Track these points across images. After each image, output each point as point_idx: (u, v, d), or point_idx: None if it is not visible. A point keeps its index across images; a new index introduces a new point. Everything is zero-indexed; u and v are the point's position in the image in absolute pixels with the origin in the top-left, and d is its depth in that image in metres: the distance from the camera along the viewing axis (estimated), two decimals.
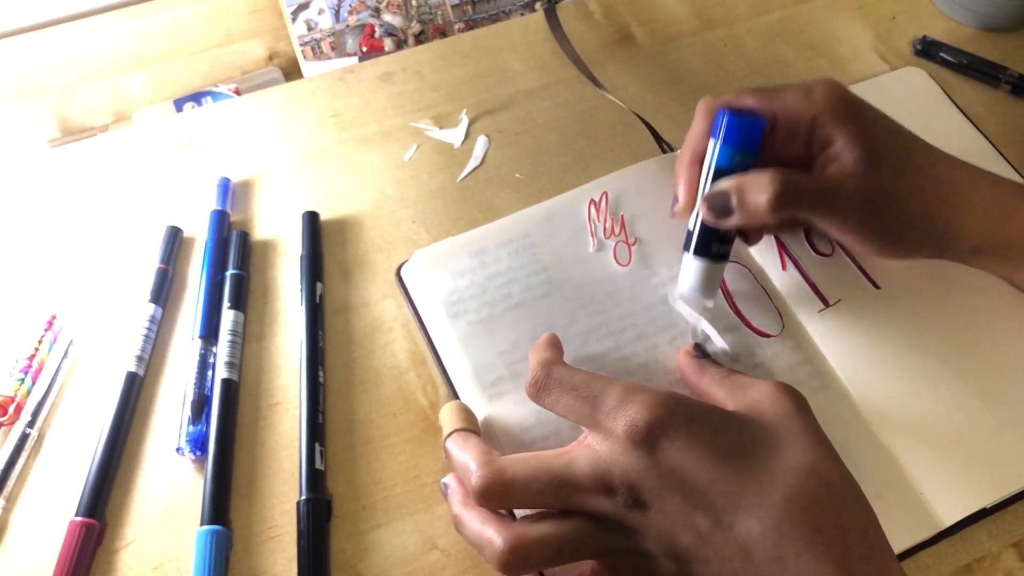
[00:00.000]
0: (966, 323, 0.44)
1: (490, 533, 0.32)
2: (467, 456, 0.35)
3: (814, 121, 0.40)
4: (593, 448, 0.33)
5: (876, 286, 0.45)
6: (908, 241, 0.39)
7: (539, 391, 0.36)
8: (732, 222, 0.39)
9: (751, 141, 0.40)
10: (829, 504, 0.30)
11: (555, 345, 0.39)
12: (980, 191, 0.40)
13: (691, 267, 0.42)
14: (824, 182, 0.39)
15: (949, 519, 0.39)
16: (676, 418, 0.32)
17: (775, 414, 0.34)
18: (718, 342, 0.43)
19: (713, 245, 0.41)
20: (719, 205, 0.40)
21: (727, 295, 0.45)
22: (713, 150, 0.41)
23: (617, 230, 0.47)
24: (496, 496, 0.33)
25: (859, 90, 0.54)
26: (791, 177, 0.38)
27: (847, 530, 0.30)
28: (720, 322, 0.44)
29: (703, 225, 0.41)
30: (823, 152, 0.40)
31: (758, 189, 0.38)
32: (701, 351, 0.41)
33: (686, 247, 0.42)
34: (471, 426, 0.39)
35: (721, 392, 0.37)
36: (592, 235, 0.47)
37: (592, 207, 0.48)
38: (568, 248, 0.47)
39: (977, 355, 0.43)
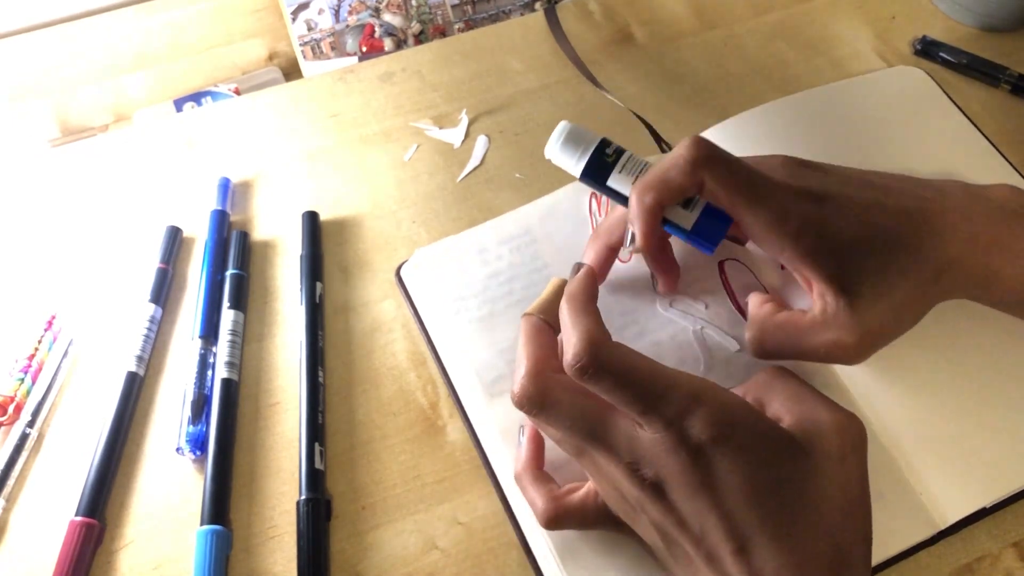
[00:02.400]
0: (966, 321, 0.44)
1: (535, 495, 0.37)
2: (520, 358, 0.35)
3: (785, 258, 0.37)
4: (638, 429, 0.32)
5: None
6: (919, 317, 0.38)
7: (585, 377, 0.32)
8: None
9: (712, 243, 0.39)
10: (834, 567, 0.31)
11: (593, 298, 0.36)
12: (951, 203, 0.38)
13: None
14: (811, 329, 0.37)
15: (949, 519, 0.39)
16: (730, 441, 0.31)
17: (829, 450, 0.32)
18: (728, 343, 0.43)
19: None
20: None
21: (728, 290, 0.45)
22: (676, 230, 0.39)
23: None
24: (531, 407, 0.34)
25: (853, 86, 0.54)
26: (778, 319, 0.38)
27: None
28: (724, 318, 0.44)
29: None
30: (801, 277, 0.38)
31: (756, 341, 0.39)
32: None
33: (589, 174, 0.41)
34: (552, 319, 0.37)
35: (790, 392, 0.36)
36: (593, 230, 0.47)
37: (593, 202, 0.48)
38: (570, 244, 0.47)
39: (977, 354, 0.43)
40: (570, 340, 0.33)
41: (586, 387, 0.33)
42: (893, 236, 0.36)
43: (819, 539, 0.31)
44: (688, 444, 0.31)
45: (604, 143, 0.40)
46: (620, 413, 0.33)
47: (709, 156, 0.37)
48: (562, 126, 0.41)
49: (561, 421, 0.33)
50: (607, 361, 0.32)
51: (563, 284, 0.38)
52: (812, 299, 0.37)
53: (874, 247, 0.36)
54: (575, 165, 0.40)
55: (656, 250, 0.40)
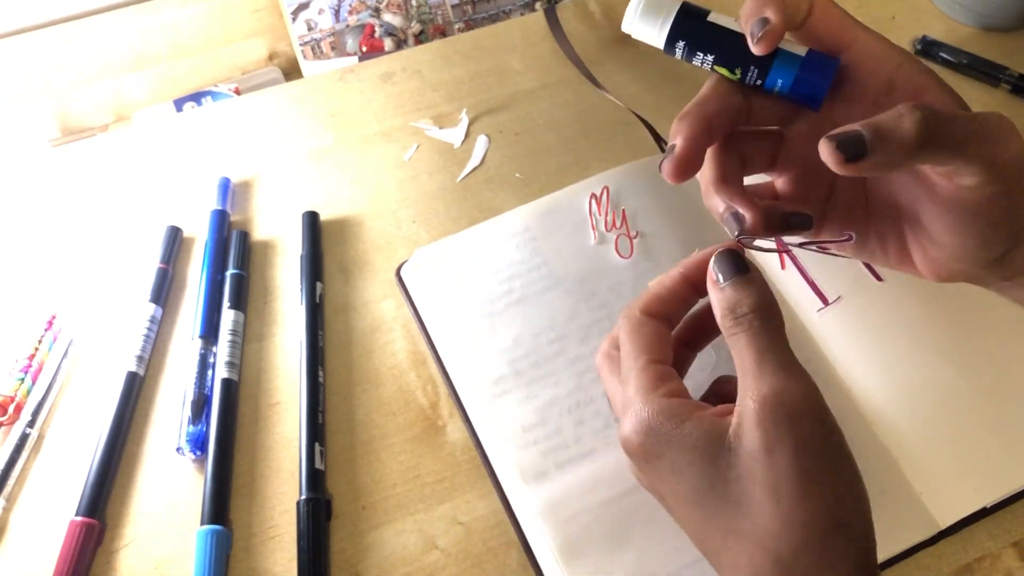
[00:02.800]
0: (966, 320, 0.44)
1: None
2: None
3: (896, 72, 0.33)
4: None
5: (878, 278, 0.45)
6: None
7: (600, 362, 0.37)
8: (865, 165, 0.31)
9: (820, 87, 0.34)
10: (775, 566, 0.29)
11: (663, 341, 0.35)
12: None
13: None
14: (975, 119, 0.31)
15: (949, 519, 0.39)
16: (646, 452, 0.32)
17: (751, 447, 0.30)
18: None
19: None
20: (851, 144, 0.31)
21: None
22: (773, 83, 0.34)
23: (618, 223, 0.47)
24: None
25: None
26: (933, 109, 0.31)
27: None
28: None
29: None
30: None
31: (898, 121, 0.30)
32: (738, 257, 0.35)
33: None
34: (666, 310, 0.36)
35: (753, 363, 0.32)
36: (593, 228, 0.47)
37: (593, 201, 0.48)
38: (569, 242, 0.47)
39: (977, 354, 0.43)
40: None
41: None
42: None
43: (749, 545, 0.29)
44: (624, 447, 0.33)
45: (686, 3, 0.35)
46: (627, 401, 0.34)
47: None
48: None
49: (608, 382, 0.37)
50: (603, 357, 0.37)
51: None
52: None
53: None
54: (662, 22, 0.35)
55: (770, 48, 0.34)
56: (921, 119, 0.30)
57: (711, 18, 0.35)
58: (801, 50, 0.34)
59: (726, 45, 0.35)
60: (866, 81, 0.34)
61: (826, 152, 0.31)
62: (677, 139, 0.35)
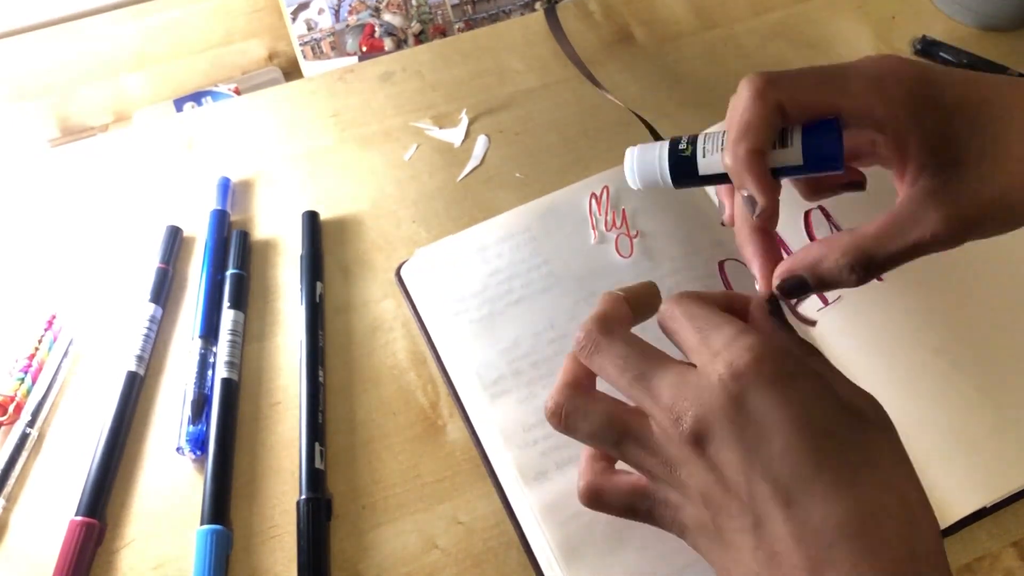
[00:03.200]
0: (966, 320, 0.44)
1: (583, 469, 0.35)
2: (563, 373, 0.35)
3: (884, 121, 0.34)
4: (686, 372, 0.31)
5: (879, 278, 0.45)
6: (988, 230, 0.34)
7: (663, 317, 0.34)
8: (810, 295, 0.36)
9: (833, 157, 0.34)
10: (903, 529, 0.27)
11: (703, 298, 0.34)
12: None
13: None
14: (902, 235, 0.33)
15: (948, 519, 0.39)
16: (780, 371, 0.29)
17: (884, 420, 0.30)
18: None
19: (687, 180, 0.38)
20: (794, 287, 0.34)
21: (729, 289, 0.45)
22: (793, 170, 0.35)
23: (619, 223, 0.47)
24: (590, 345, 0.33)
25: None
26: (865, 245, 0.33)
27: (910, 560, 0.27)
28: None
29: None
30: (898, 157, 0.35)
31: (841, 280, 0.33)
32: (775, 306, 0.35)
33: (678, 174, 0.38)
34: (632, 299, 0.36)
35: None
36: (593, 228, 0.47)
37: (593, 200, 0.48)
38: (569, 242, 0.47)
39: (978, 354, 0.43)
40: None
41: (638, 339, 0.33)
42: (1008, 102, 0.33)
43: (884, 492, 0.27)
44: (730, 374, 0.29)
45: (674, 142, 0.38)
46: (672, 362, 0.32)
47: (769, 77, 0.35)
48: (629, 153, 0.38)
49: (615, 359, 0.32)
50: (684, 299, 0.33)
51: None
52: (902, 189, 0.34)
53: (983, 109, 0.33)
54: (662, 180, 0.38)
55: (776, 203, 0.35)
56: (857, 267, 0.33)
57: (702, 166, 0.37)
58: (797, 135, 0.35)
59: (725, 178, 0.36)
60: (854, 133, 0.35)
61: (775, 290, 0.35)
62: (753, 190, 0.34)
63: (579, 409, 0.33)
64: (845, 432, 0.28)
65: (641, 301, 0.36)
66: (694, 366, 0.31)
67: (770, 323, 0.35)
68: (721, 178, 0.37)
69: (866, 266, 0.33)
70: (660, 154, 0.37)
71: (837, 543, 0.26)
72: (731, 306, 0.35)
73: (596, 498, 0.34)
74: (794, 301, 0.40)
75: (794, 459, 0.27)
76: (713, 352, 0.30)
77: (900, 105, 0.33)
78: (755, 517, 0.28)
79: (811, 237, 0.46)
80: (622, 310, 0.35)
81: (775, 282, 0.35)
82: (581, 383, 0.34)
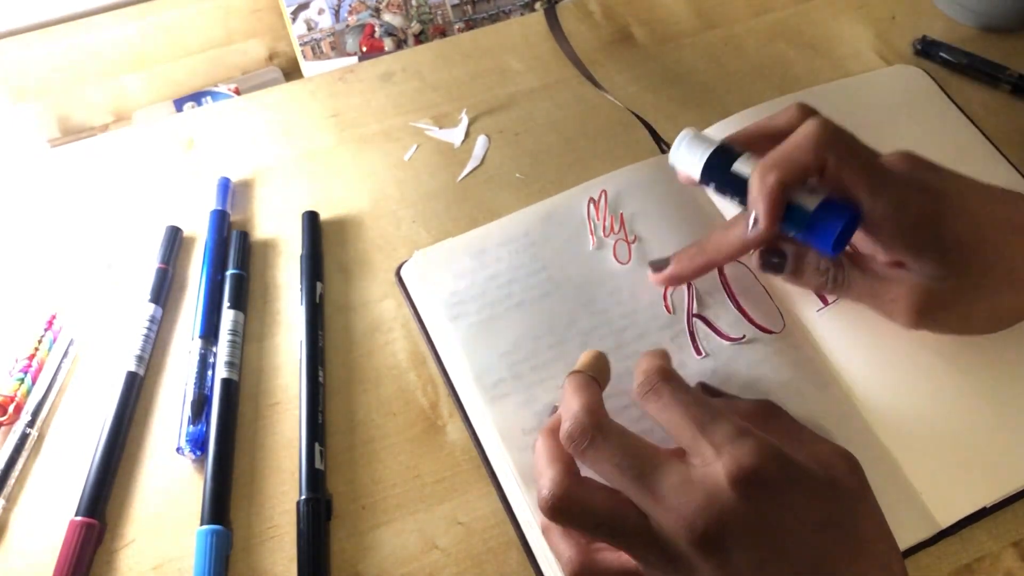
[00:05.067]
0: None
1: (564, 547, 0.34)
2: (544, 459, 0.34)
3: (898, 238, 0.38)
4: (687, 471, 0.31)
5: None
6: (968, 329, 0.41)
7: (648, 393, 0.34)
8: (779, 278, 0.41)
9: (829, 241, 0.38)
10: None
11: (665, 357, 0.36)
12: None
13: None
14: (876, 283, 0.39)
15: (949, 519, 0.39)
16: (781, 474, 0.30)
17: (853, 487, 0.32)
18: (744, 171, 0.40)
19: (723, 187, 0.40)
20: (773, 262, 0.41)
21: (729, 292, 0.45)
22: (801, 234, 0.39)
23: (616, 228, 0.47)
24: (559, 515, 0.32)
25: (852, 85, 0.54)
26: (843, 267, 0.39)
27: None
28: (724, 319, 0.44)
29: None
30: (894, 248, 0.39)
31: (813, 271, 0.40)
32: (711, 391, 0.40)
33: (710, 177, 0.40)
34: (598, 375, 0.36)
35: (785, 430, 0.36)
36: (592, 233, 0.47)
37: (591, 205, 0.48)
38: (568, 247, 0.47)
39: (977, 353, 0.43)
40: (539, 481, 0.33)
41: (632, 433, 0.33)
42: (1009, 251, 0.37)
43: (876, 570, 0.31)
44: (739, 475, 0.30)
45: (726, 143, 0.41)
46: (669, 458, 0.32)
47: (835, 135, 0.37)
48: (685, 132, 0.42)
49: (612, 455, 0.32)
50: (667, 384, 0.34)
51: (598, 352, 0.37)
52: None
53: (986, 258, 0.37)
54: (698, 160, 0.40)
55: (776, 234, 0.39)
56: (830, 286, 0.40)
57: (737, 165, 0.39)
58: (815, 200, 0.37)
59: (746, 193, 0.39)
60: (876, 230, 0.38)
61: (755, 258, 0.41)
62: (761, 214, 0.38)
63: (578, 502, 0.32)
64: (839, 518, 0.31)
65: (604, 376, 0.36)
66: (684, 455, 0.32)
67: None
68: (739, 188, 0.39)
69: (835, 283, 0.40)
70: (710, 143, 0.41)
71: None
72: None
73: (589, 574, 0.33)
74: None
75: (803, 555, 0.29)
76: (715, 448, 0.31)
77: (915, 239, 0.37)
78: None
79: (726, 286, 0.47)
80: (598, 394, 0.34)
81: (763, 252, 0.41)
82: (573, 470, 0.33)
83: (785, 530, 0.29)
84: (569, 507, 0.32)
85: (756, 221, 0.38)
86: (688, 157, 0.41)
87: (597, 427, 0.32)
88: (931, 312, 0.38)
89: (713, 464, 0.30)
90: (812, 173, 0.37)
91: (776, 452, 0.31)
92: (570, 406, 0.33)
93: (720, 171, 0.40)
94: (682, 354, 0.43)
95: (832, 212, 0.37)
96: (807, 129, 0.37)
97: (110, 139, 0.56)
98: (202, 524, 0.39)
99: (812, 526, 0.30)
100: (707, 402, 0.33)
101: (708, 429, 0.31)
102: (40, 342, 0.45)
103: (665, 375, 0.34)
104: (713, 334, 0.43)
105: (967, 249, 0.37)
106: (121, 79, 0.63)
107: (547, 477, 0.33)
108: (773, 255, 0.41)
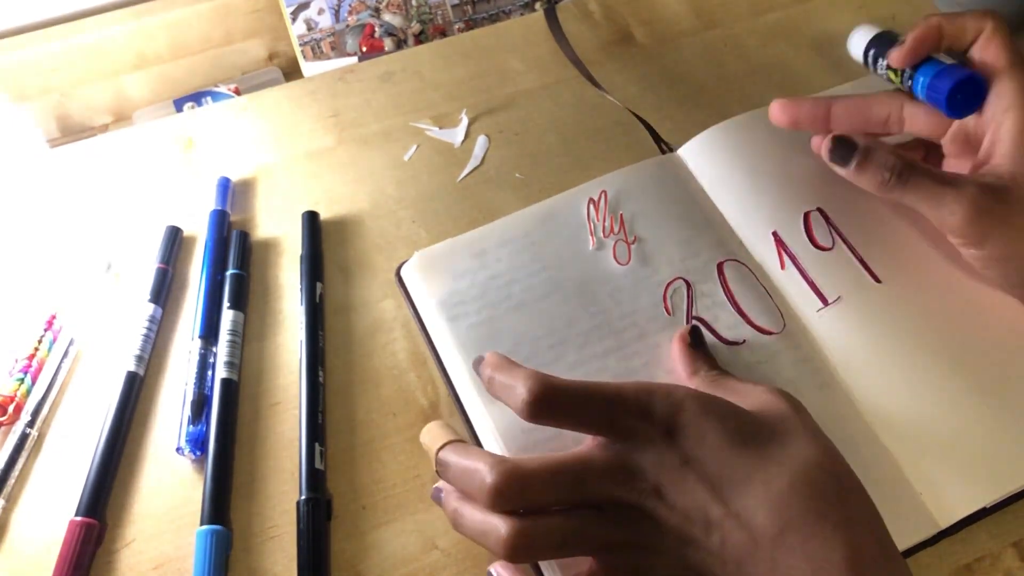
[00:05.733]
0: (966, 321, 0.44)
1: (495, 521, 0.32)
2: (473, 459, 0.33)
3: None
4: (610, 444, 0.33)
5: (877, 280, 0.45)
6: (1011, 273, 0.40)
7: (542, 407, 0.33)
8: (842, 172, 0.42)
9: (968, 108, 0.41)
10: (834, 494, 0.31)
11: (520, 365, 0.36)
12: None
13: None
14: (938, 181, 0.39)
15: (949, 519, 0.39)
16: (690, 411, 0.33)
17: (775, 414, 0.34)
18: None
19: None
20: (842, 153, 0.41)
21: (728, 292, 0.45)
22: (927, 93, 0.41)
23: (616, 229, 0.47)
24: (513, 491, 0.32)
25: (850, 88, 0.54)
26: (911, 164, 0.39)
27: (853, 520, 0.31)
28: (723, 320, 0.44)
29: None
30: (986, 141, 0.41)
31: (880, 166, 0.40)
32: (696, 338, 0.42)
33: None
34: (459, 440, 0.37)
35: (732, 389, 0.37)
36: (591, 234, 0.47)
37: (591, 206, 0.48)
38: (568, 247, 0.47)
39: (977, 353, 0.43)
40: (516, 388, 0.33)
41: (546, 455, 0.33)
42: None
43: (807, 469, 0.31)
44: (656, 427, 0.32)
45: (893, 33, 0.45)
46: (591, 452, 0.33)
47: (1002, 23, 0.40)
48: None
49: (547, 488, 0.32)
50: (559, 389, 0.33)
51: (439, 422, 0.38)
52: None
53: None
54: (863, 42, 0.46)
55: (913, 59, 0.42)
56: (888, 174, 0.40)
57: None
58: (950, 62, 0.41)
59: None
60: (990, 110, 0.40)
61: (825, 146, 0.42)
62: (909, 38, 0.41)
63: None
64: (756, 434, 0.33)
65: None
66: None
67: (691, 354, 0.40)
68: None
69: (897, 180, 0.40)
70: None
71: (785, 526, 0.30)
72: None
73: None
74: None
75: (728, 475, 0.31)
76: (629, 415, 0.33)
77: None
78: (715, 532, 0.31)
79: (810, 238, 0.46)
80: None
81: (834, 139, 0.42)
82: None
83: (707, 458, 0.32)
84: (525, 479, 0.32)
85: (901, 44, 0.42)
86: (860, 37, 0.46)
87: (515, 477, 0.32)
88: (988, 219, 0.38)
89: (632, 428, 0.33)
90: (966, 38, 0.40)
91: (679, 395, 0.33)
92: (473, 471, 0.33)
93: (880, 45, 0.44)
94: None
95: (962, 72, 0.40)
96: (977, 12, 0.40)
97: (110, 139, 0.56)
98: (202, 524, 0.39)
99: (726, 447, 0.32)
100: (596, 384, 0.33)
101: (615, 405, 0.33)
102: (40, 342, 0.45)
103: (543, 380, 0.33)
104: (712, 335, 0.44)
105: None
106: (121, 79, 0.63)
107: (482, 469, 0.33)
108: (844, 146, 0.41)
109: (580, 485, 0.32)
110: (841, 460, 0.33)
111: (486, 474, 0.32)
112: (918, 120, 0.44)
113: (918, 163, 0.40)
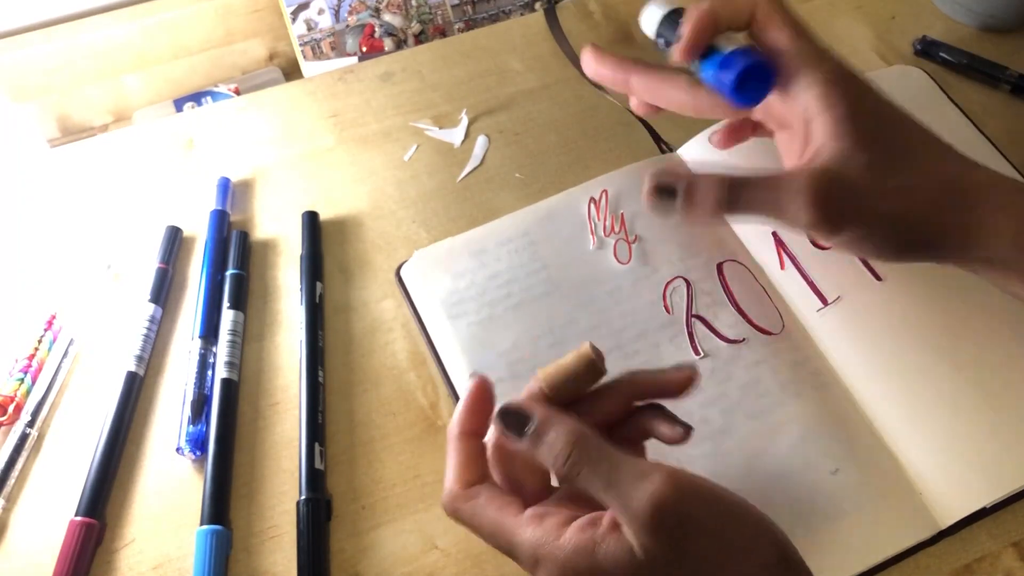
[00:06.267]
0: (966, 320, 0.44)
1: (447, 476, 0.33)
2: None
3: (805, 91, 0.36)
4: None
5: (878, 278, 0.45)
6: (893, 246, 0.36)
7: (572, 469, 0.30)
8: (672, 211, 0.37)
9: (758, 96, 0.38)
10: None
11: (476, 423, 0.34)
12: (1001, 198, 0.36)
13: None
14: (774, 181, 0.36)
15: (949, 519, 0.39)
16: None
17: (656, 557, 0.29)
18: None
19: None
20: (664, 197, 0.37)
21: (728, 293, 0.45)
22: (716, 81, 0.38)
23: (617, 228, 0.47)
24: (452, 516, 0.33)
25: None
26: (736, 180, 0.36)
27: None
28: (723, 319, 0.44)
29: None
30: (804, 127, 0.37)
31: (706, 195, 0.36)
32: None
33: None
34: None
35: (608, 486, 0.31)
36: (592, 233, 0.47)
37: (592, 205, 0.48)
38: (568, 247, 0.47)
39: (977, 354, 0.43)
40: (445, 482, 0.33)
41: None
42: (932, 151, 0.37)
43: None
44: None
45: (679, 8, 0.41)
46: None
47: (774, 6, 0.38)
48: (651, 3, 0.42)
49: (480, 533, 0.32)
50: (462, 513, 0.32)
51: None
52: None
53: (896, 137, 0.36)
54: (655, 19, 0.41)
55: (693, 53, 0.38)
56: (719, 197, 0.36)
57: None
58: (736, 46, 0.38)
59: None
60: (785, 87, 0.37)
61: (647, 186, 0.37)
62: (685, 33, 0.38)
63: (464, 517, 0.33)
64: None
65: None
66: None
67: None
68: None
69: (730, 198, 0.36)
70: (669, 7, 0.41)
71: None
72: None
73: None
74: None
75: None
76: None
77: (822, 78, 0.36)
78: None
79: (810, 238, 0.46)
80: (461, 456, 0.34)
81: (654, 177, 0.37)
82: (466, 478, 0.33)
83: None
84: (458, 517, 0.33)
85: (678, 41, 0.38)
86: (649, 17, 0.41)
87: (454, 510, 0.33)
88: (837, 199, 0.35)
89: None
90: (744, 13, 0.38)
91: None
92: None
93: (670, 28, 0.40)
94: (681, 354, 0.43)
95: (745, 59, 0.36)
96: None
97: (110, 139, 0.56)
98: (202, 524, 0.39)
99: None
100: (624, 461, 0.30)
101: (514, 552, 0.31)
102: (40, 342, 0.45)
103: (582, 440, 0.31)
104: (712, 335, 0.44)
105: (882, 127, 0.36)
106: (121, 79, 0.63)
107: (446, 479, 0.33)
108: (665, 190, 0.37)
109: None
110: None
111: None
112: (717, 107, 0.40)
113: (745, 176, 0.36)
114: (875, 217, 0.35)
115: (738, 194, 0.36)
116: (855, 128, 0.35)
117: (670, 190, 0.36)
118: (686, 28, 0.37)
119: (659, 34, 0.41)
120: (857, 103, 0.36)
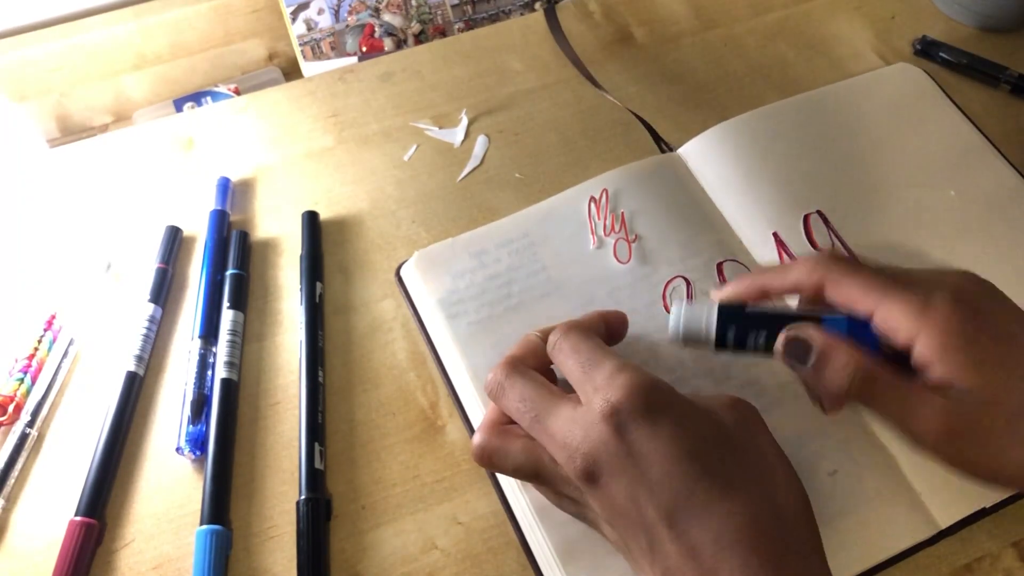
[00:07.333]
0: None
1: (480, 426, 0.37)
2: (508, 353, 0.38)
3: (915, 339, 0.34)
4: (574, 409, 0.34)
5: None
6: (999, 479, 0.34)
7: (552, 349, 0.37)
8: (802, 373, 0.36)
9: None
10: (775, 529, 0.30)
11: (594, 324, 0.39)
12: None
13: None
14: (907, 393, 0.34)
15: (948, 519, 0.39)
16: (649, 405, 0.32)
17: (728, 416, 0.33)
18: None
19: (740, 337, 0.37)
20: (797, 353, 0.35)
21: None
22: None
23: (617, 227, 0.47)
24: (495, 389, 0.36)
25: (852, 86, 0.54)
26: (875, 371, 0.34)
27: (787, 553, 0.30)
28: None
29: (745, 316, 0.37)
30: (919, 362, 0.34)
31: (839, 367, 0.34)
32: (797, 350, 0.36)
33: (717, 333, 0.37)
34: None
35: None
36: (592, 233, 0.47)
37: (592, 204, 0.48)
38: (568, 247, 0.47)
39: None
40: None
41: (539, 381, 0.36)
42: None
43: (754, 502, 0.31)
44: (607, 412, 0.32)
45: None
46: (564, 400, 0.34)
47: (830, 256, 0.37)
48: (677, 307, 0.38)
49: (513, 401, 0.35)
50: (566, 336, 0.36)
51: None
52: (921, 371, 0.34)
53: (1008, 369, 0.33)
54: (705, 328, 0.37)
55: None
56: (853, 381, 0.34)
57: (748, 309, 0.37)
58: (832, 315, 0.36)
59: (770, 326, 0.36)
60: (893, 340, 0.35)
61: (781, 345, 0.35)
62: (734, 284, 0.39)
63: (499, 449, 0.36)
64: (713, 451, 0.32)
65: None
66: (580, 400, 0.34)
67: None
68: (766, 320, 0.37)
69: (861, 387, 0.34)
70: (710, 310, 0.37)
71: (718, 553, 0.29)
72: (609, 325, 0.39)
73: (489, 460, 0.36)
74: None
75: (671, 484, 0.31)
76: (594, 388, 0.33)
77: (938, 337, 0.33)
78: (648, 539, 0.31)
79: (810, 239, 0.47)
80: (535, 350, 0.38)
81: (788, 339, 0.35)
82: (500, 421, 0.37)
83: (653, 459, 0.31)
84: (489, 455, 0.36)
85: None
86: (694, 324, 0.37)
87: (505, 376, 0.36)
88: (962, 437, 0.33)
89: (592, 400, 0.33)
90: (808, 289, 0.37)
91: (647, 386, 0.32)
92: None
93: (734, 319, 0.37)
94: (680, 353, 0.43)
95: (838, 322, 0.35)
96: (801, 268, 0.37)
97: (110, 139, 0.56)
98: (202, 524, 0.39)
99: (681, 456, 0.31)
100: (598, 349, 0.35)
101: (591, 371, 0.34)
102: (40, 342, 0.45)
103: (567, 328, 0.37)
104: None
105: (994, 360, 0.33)
106: (121, 79, 0.63)
107: (477, 430, 0.37)
108: (799, 345, 0.35)
109: (534, 427, 0.35)
110: (793, 490, 0.32)
111: (474, 436, 0.37)
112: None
113: (878, 369, 0.34)
114: (1002, 465, 0.34)
115: (871, 389, 0.34)
116: (974, 358, 0.33)
117: (805, 346, 0.35)
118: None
119: (723, 331, 0.37)
120: (973, 327, 0.34)
